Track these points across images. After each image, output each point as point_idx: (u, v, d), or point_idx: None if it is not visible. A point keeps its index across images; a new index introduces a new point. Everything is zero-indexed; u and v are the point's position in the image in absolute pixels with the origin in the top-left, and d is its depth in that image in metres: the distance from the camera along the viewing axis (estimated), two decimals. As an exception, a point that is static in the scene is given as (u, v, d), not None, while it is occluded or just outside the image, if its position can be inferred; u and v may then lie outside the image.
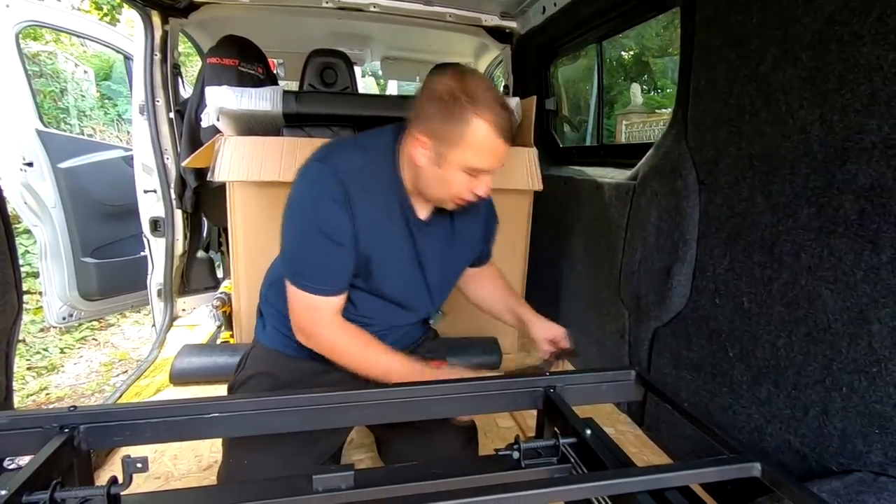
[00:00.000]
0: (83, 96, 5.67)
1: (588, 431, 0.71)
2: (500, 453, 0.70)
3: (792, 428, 0.99)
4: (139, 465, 0.61)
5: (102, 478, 0.62)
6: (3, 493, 0.56)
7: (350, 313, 1.06)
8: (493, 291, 1.29)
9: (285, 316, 1.05)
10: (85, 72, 6.07)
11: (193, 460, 1.32)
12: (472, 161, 0.92)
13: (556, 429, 0.76)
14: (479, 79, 0.92)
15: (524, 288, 2.05)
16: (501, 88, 2.82)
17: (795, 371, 0.98)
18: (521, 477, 0.69)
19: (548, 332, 1.16)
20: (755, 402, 1.08)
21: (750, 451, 0.65)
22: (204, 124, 1.91)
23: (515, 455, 0.70)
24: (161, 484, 1.23)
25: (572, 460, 0.72)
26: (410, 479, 0.67)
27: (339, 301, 1.01)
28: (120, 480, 0.62)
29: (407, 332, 1.19)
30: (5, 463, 1.15)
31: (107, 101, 6.45)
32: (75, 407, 0.71)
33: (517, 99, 1.90)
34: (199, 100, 2.16)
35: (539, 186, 1.84)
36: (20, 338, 3.15)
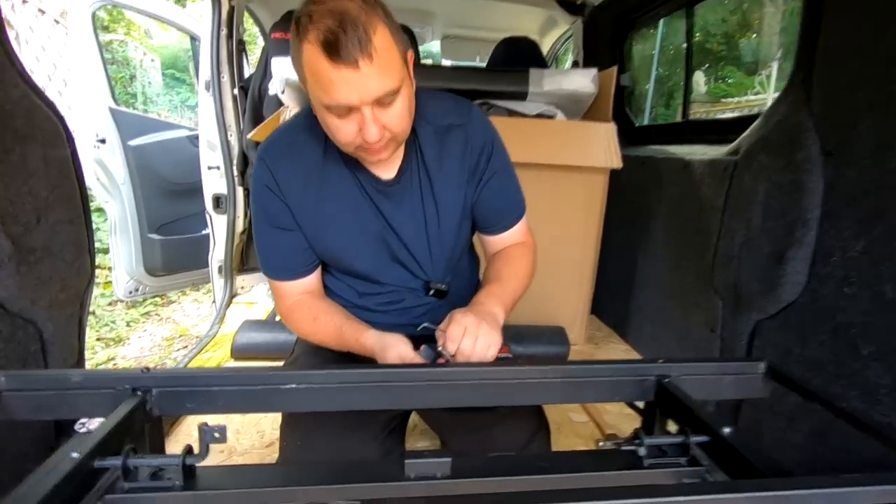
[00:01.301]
0: (150, 83, 5.91)
1: (727, 429, 0.59)
2: (623, 448, 0.59)
3: (953, 442, 0.82)
4: (217, 435, 0.54)
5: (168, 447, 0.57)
6: (75, 455, 0.50)
7: (345, 300, 0.99)
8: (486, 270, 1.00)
9: None
10: (152, 60, 6.34)
11: (256, 436, 1.29)
12: (320, 96, 0.72)
13: (684, 426, 0.64)
14: None
15: (594, 276, 1.91)
16: (570, 63, 2.67)
17: (963, 374, 0.81)
18: (647, 479, 0.58)
19: (447, 323, 0.79)
20: (899, 409, 0.91)
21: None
22: (270, 93, 1.88)
23: (642, 451, 0.58)
24: (224, 458, 1.20)
25: (705, 463, 0.61)
26: (515, 471, 0.58)
27: (300, 284, 0.94)
28: (195, 451, 0.56)
29: (431, 310, 1.00)
30: (76, 426, 1.15)
31: (171, 89, 6.72)
32: (148, 369, 0.66)
33: (595, 70, 1.76)
34: (263, 75, 2.15)
35: (618, 164, 1.70)
36: (91, 310, 3.31)
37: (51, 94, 4.27)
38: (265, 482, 0.55)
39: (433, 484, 0.55)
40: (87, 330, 3.02)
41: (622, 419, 1.42)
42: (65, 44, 4.51)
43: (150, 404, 0.65)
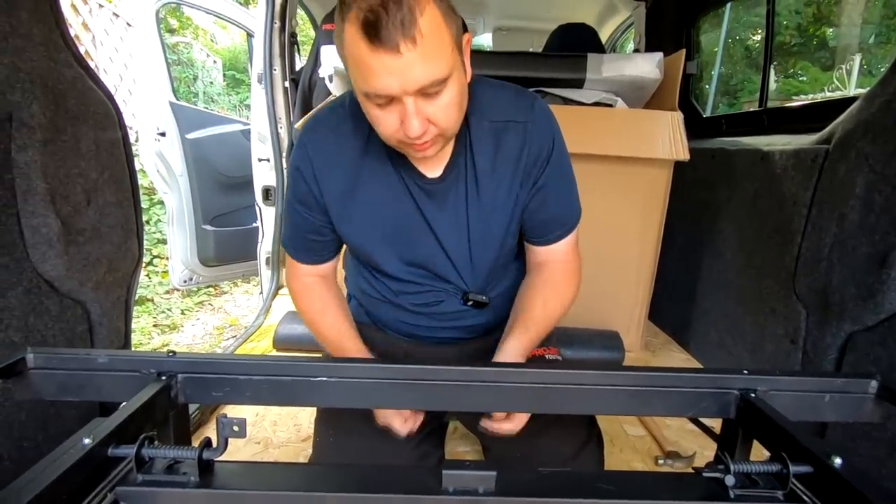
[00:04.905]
0: (212, 83, 6.17)
1: (837, 460, 0.48)
2: (706, 474, 0.49)
3: None
4: (236, 429, 0.49)
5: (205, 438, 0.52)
6: (87, 441, 0.46)
7: (381, 296, 0.93)
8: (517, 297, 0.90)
9: (362, 291, 0.97)
10: (214, 62, 6.62)
11: (293, 429, 1.25)
12: (360, 83, 0.65)
13: (779, 452, 0.53)
14: None
15: (653, 278, 1.77)
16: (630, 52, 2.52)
17: None
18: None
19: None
20: None
21: None
22: (321, 74, 1.87)
23: (729, 480, 0.48)
24: (260, 450, 1.17)
25: (807, 499, 0.49)
26: (573, 491, 0.49)
27: (314, 268, 0.90)
28: (215, 443, 0.51)
29: (471, 315, 0.92)
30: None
31: (231, 89, 7.00)
32: (174, 353, 0.62)
33: (660, 55, 1.62)
34: (313, 67, 2.14)
35: (685, 156, 1.55)
36: (149, 297, 3.46)
37: (122, 93, 4.53)
38: (287, 484, 0.49)
39: (474, 501, 0.47)
40: (146, 316, 3.15)
41: (684, 435, 1.29)
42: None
43: (174, 390, 0.61)
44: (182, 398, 0.62)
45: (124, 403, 0.54)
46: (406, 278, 0.89)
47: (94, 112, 1.06)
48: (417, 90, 0.63)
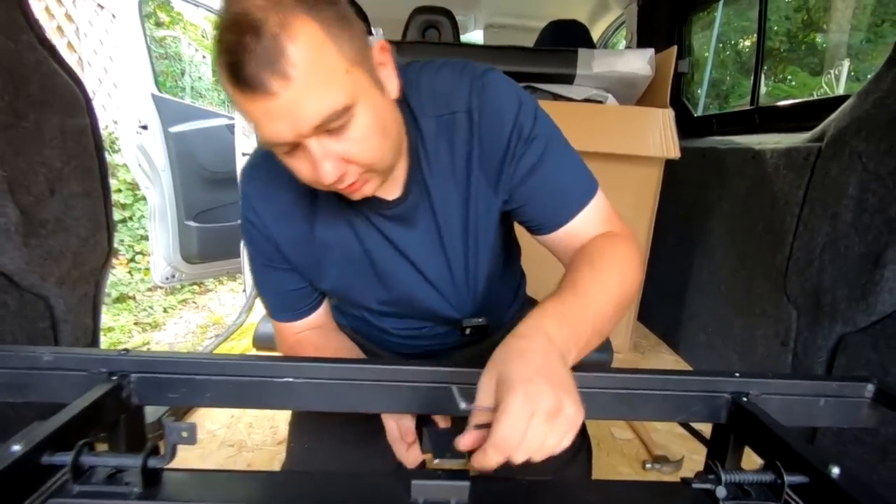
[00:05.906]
0: (200, 78, 6.08)
1: (835, 469, 0.45)
2: (696, 485, 0.46)
3: None
4: (185, 435, 0.44)
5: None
6: (16, 448, 0.42)
7: (361, 319, 0.86)
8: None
9: (342, 308, 0.90)
10: (203, 56, 6.52)
11: (269, 432, 1.21)
12: (257, 134, 0.55)
13: (772, 460, 0.49)
14: None
15: (643, 280, 1.74)
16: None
17: None
18: (728, 528, 0.44)
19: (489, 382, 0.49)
20: None
21: None
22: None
23: (720, 491, 0.45)
24: (233, 453, 1.13)
25: (803, 511, 0.46)
26: (555, 502, 0.45)
27: (302, 324, 0.81)
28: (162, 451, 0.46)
29: (460, 336, 0.84)
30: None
31: (219, 84, 6.90)
32: (127, 350, 0.58)
33: (651, 51, 1.60)
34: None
35: (675, 154, 1.53)
36: (131, 294, 3.38)
37: (107, 85, 4.43)
38: (239, 495, 0.45)
39: (445, 514, 0.44)
40: (126, 314, 3.06)
41: (673, 439, 1.26)
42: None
43: (126, 391, 0.57)
44: (135, 400, 0.57)
45: (66, 406, 0.50)
46: (389, 311, 0.82)
47: (59, 97, 1.01)
48: (314, 129, 0.51)
